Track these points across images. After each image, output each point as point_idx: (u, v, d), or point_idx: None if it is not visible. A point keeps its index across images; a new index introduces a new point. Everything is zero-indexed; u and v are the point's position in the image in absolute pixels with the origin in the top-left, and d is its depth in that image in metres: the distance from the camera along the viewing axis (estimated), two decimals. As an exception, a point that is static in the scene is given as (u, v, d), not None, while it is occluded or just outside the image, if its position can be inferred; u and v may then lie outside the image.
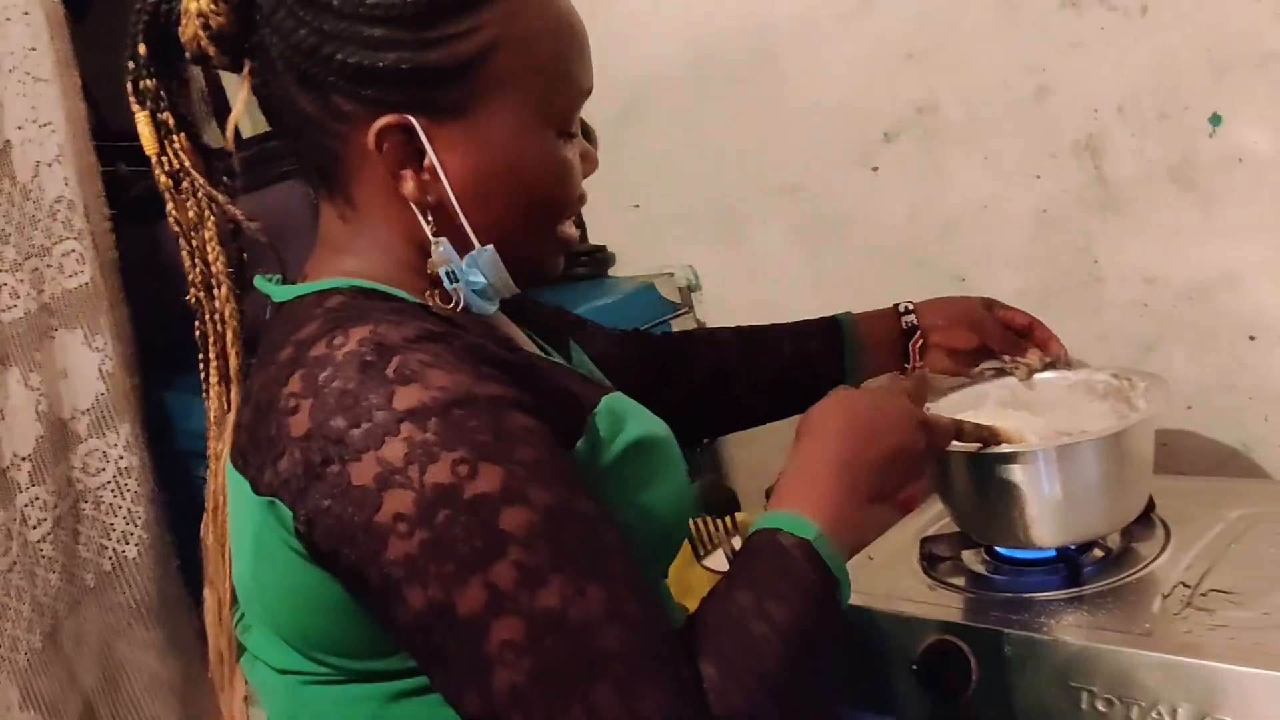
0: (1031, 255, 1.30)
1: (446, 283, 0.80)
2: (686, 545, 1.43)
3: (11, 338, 1.28)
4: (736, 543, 1.37)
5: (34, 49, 1.37)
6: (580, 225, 1.74)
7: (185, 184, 0.84)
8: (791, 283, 1.54)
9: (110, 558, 1.37)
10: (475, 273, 0.80)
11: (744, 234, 1.57)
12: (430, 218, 0.79)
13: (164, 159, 0.83)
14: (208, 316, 0.86)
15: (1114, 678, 0.90)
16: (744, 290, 1.60)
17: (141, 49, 0.82)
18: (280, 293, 0.82)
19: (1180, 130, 1.17)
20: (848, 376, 1.16)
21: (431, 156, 0.77)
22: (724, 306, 1.63)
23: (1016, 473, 0.98)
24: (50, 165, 1.39)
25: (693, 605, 1.46)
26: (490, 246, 0.80)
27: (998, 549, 1.07)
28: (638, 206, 1.67)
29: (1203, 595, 0.95)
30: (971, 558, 1.09)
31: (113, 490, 1.38)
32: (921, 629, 1.00)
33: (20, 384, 1.28)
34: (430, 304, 0.80)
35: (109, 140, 1.69)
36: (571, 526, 0.68)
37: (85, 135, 1.49)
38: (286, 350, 0.74)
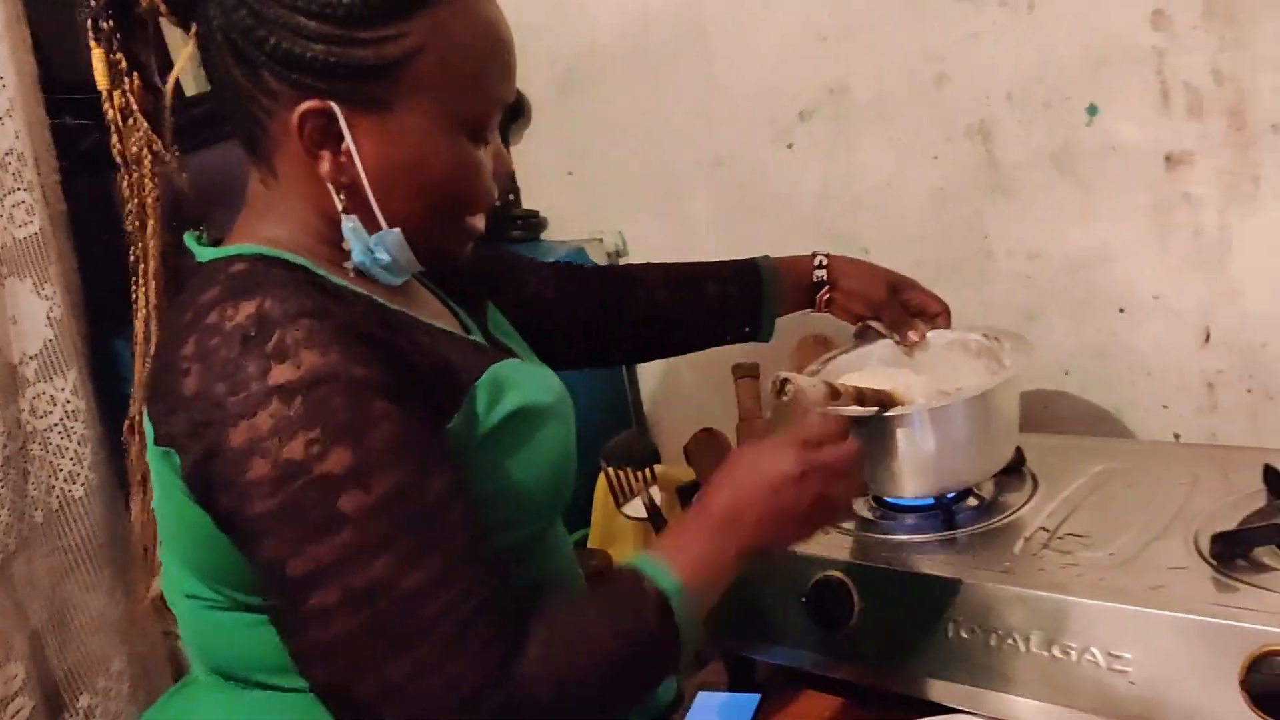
0: (928, 230, 1.41)
1: (360, 263, 0.87)
2: (609, 495, 1.53)
3: (-39, 286, 1.33)
4: (655, 492, 1.46)
5: (-16, 5, 1.41)
6: (515, 191, 1.82)
7: (130, 121, 0.89)
8: (714, 250, 1.60)
9: (58, 497, 1.43)
10: (381, 251, 0.86)
11: (671, 203, 1.65)
12: (343, 196, 0.85)
13: (114, 94, 0.89)
14: (137, 246, 0.93)
15: (977, 609, 1.00)
16: (669, 256, 1.66)
17: None
18: (201, 253, 0.88)
19: (1061, 119, 1.27)
20: (763, 316, 1.26)
21: (349, 142, 0.83)
22: (650, 271, 1.72)
23: (899, 431, 1.09)
24: (1, 119, 1.44)
25: (618, 551, 1.57)
26: (397, 230, 0.86)
27: (883, 498, 1.18)
28: (571, 174, 1.75)
29: (1059, 538, 1.06)
30: (858, 505, 1.20)
31: (60, 433, 1.44)
32: (811, 567, 1.10)
33: (-29, 330, 1.34)
34: (336, 276, 0.86)
35: (56, 93, 1.73)
36: (410, 509, 0.76)
37: (35, 89, 1.53)
38: (189, 313, 0.81)
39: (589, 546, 1.60)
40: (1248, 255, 1.19)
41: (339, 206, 0.85)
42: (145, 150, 0.89)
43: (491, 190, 0.91)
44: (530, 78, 1.72)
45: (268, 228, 0.88)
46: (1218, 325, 1.23)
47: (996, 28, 1.28)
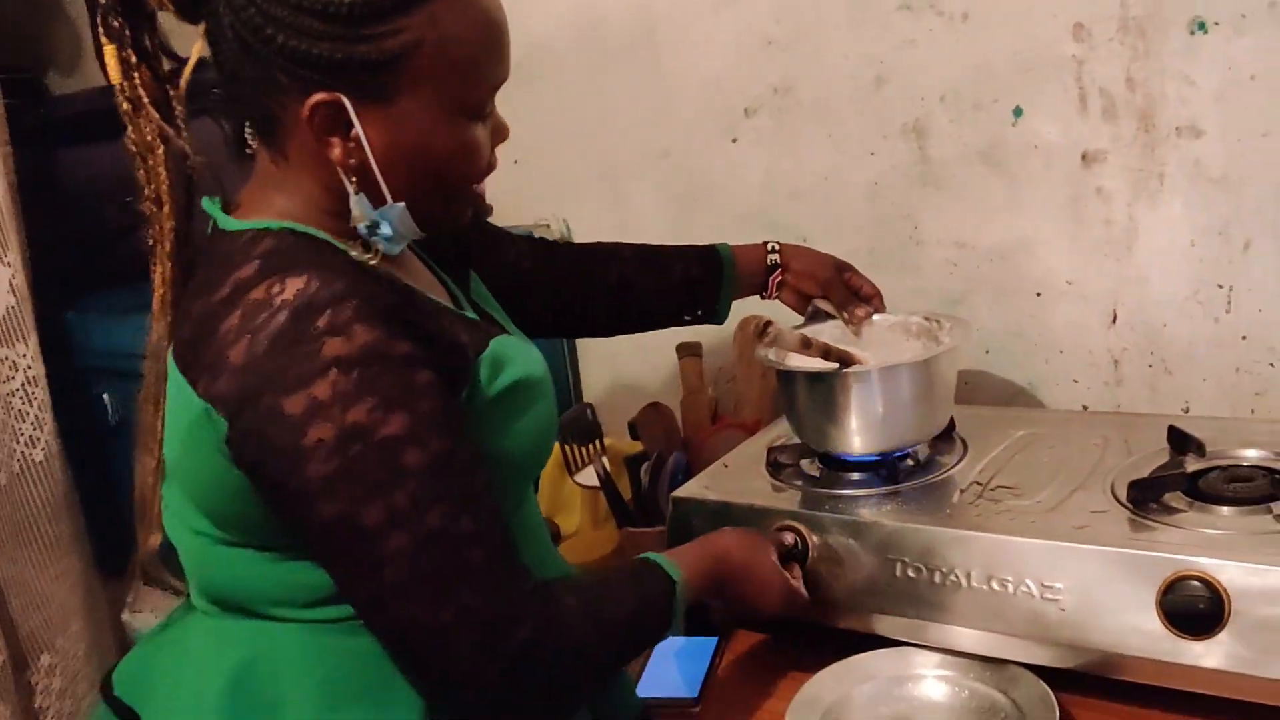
0: (864, 220, 1.52)
1: (365, 234, 0.91)
2: (561, 467, 1.61)
3: (-66, 248, 1.35)
4: (605, 462, 1.54)
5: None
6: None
7: (141, 112, 0.92)
8: (659, 237, 1.70)
9: (19, 460, 1.46)
10: (385, 225, 0.91)
11: (617, 193, 1.74)
12: (353, 178, 0.89)
13: (125, 87, 0.92)
14: (155, 228, 0.96)
15: (921, 550, 1.11)
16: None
17: None
18: (224, 220, 0.92)
19: (989, 119, 1.39)
20: (721, 298, 1.33)
21: (358, 129, 0.87)
22: (594, 257, 1.80)
23: (855, 388, 1.20)
24: (-40, 94, 1.46)
25: (564, 519, 1.64)
26: (401, 204, 0.91)
27: (832, 455, 1.28)
28: (517, 162, 1.82)
29: (991, 490, 1.17)
30: (809, 464, 1.30)
31: (21, 398, 1.47)
32: (768, 517, 1.19)
33: (-58, 291, 1.36)
34: (350, 251, 0.90)
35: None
36: (455, 468, 0.83)
37: (-9, 62, 1.56)
38: (224, 288, 0.85)
39: (536, 516, 1.67)
40: (1152, 245, 1.33)
41: (350, 188, 0.89)
42: (157, 139, 0.93)
43: (494, 159, 0.97)
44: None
45: (281, 202, 0.92)
46: (1124, 308, 1.37)
47: (932, 35, 1.41)
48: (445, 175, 0.92)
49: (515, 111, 1.76)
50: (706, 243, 1.34)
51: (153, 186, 0.94)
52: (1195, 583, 0.97)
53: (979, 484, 1.20)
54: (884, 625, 1.14)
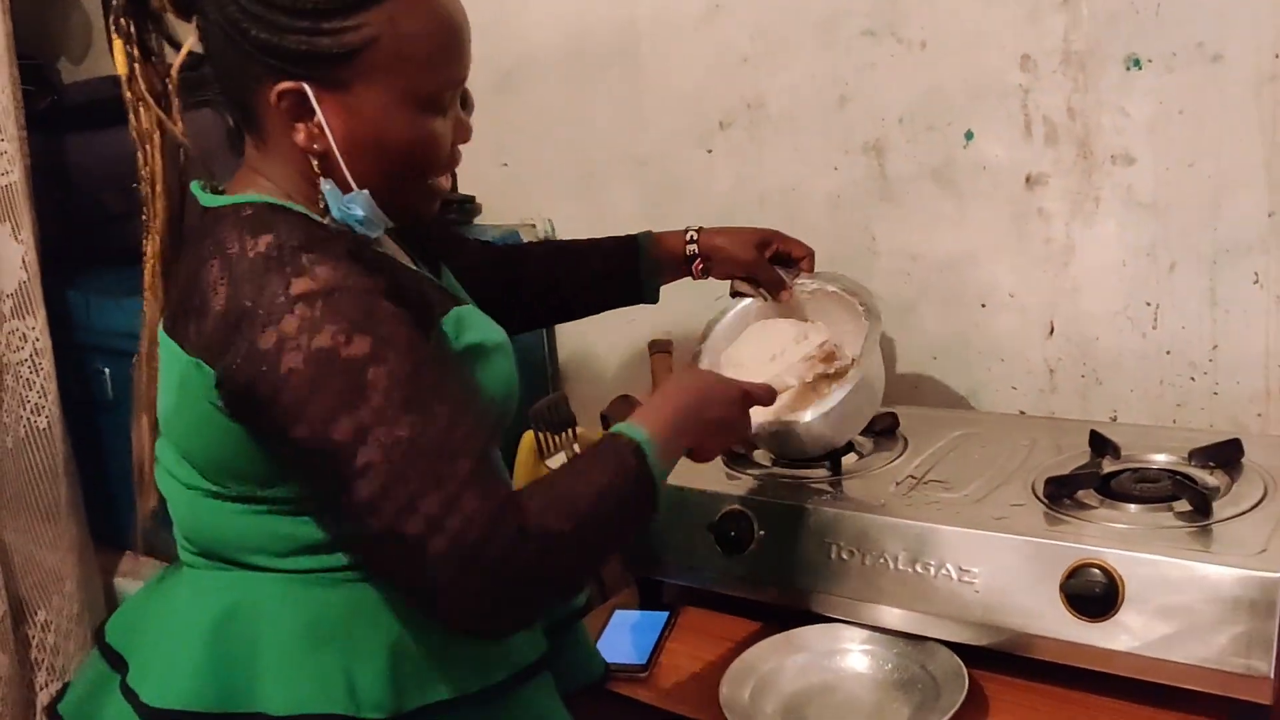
0: (825, 230, 1.61)
1: (339, 218, 0.98)
2: (530, 454, 1.70)
3: (-43, 222, 1.45)
4: (576, 449, 1.64)
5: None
6: (452, 177, 1.98)
7: (143, 103, 1.01)
8: (633, 239, 1.82)
9: (25, 426, 1.55)
10: (354, 207, 0.98)
11: (598, 195, 1.83)
12: (317, 162, 0.97)
13: (130, 80, 1.00)
14: (149, 208, 1.03)
15: (855, 535, 1.20)
16: (594, 242, 1.87)
17: None
18: (207, 199, 1.00)
19: (942, 141, 1.48)
20: (644, 287, 1.39)
21: (319, 116, 0.95)
22: (574, 256, 1.90)
23: (803, 430, 1.27)
24: (-13, 75, 1.56)
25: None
26: (365, 191, 0.98)
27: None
28: (506, 165, 1.92)
29: (924, 483, 1.27)
30: (761, 455, 1.40)
31: (29, 367, 1.56)
32: (718, 501, 1.29)
33: (-38, 264, 1.45)
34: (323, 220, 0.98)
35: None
36: (421, 384, 0.89)
37: (12, 50, 1.65)
38: (208, 245, 0.94)
39: (509, 499, 1.77)
40: (1087, 262, 1.43)
41: (315, 170, 0.97)
42: (154, 127, 1.01)
43: (457, 153, 1.04)
44: (472, 75, 1.88)
45: (263, 182, 1.00)
46: (1060, 320, 1.47)
47: (893, 60, 1.50)
48: (404, 164, 0.99)
49: (505, 117, 1.89)
50: (644, 230, 1.40)
51: (148, 169, 1.02)
52: (1095, 570, 1.07)
53: (914, 477, 1.29)
54: (820, 603, 1.24)
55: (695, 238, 1.38)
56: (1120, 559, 1.07)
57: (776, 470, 1.36)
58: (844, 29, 1.53)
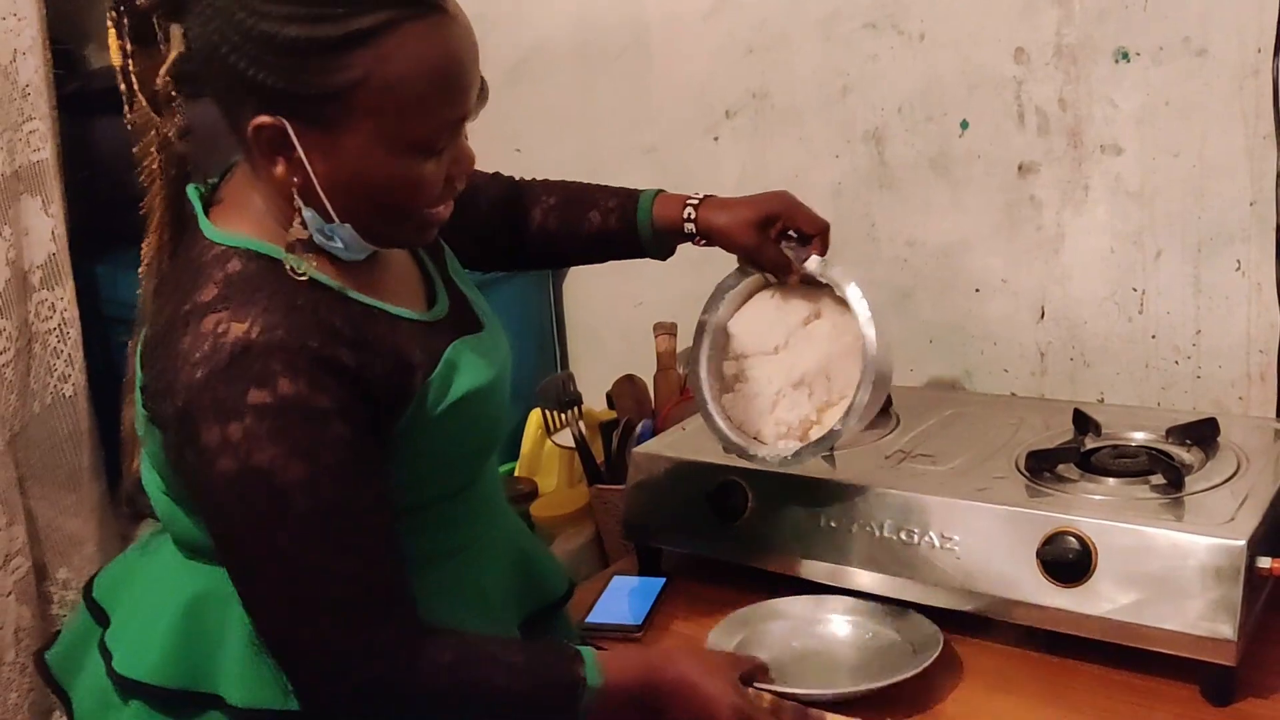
0: (827, 216, 1.64)
1: (319, 239, 0.95)
2: (541, 427, 1.75)
3: (-8, 195, 1.52)
4: (581, 426, 1.69)
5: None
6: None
7: (135, 98, 0.97)
8: (641, 225, 1.87)
9: (52, 393, 1.61)
10: (336, 239, 0.96)
11: (607, 183, 1.89)
12: (297, 195, 0.92)
13: (122, 72, 0.97)
14: (147, 200, 1.02)
15: (844, 505, 1.25)
16: (602, 227, 1.92)
17: None
18: (203, 222, 0.96)
19: (939, 130, 1.53)
20: (644, 246, 1.29)
21: (300, 153, 0.90)
22: (584, 241, 1.96)
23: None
24: (24, 54, 1.62)
25: (543, 479, 1.78)
26: (348, 225, 0.94)
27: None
28: (519, 150, 1.98)
29: (912, 457, 1.32)
30: (757, 431, 1.45)
31: (57, 336, 1.63)
32: (714, 472, 1.33)
33: (-4, 234, 1.52)
34: (299, 267, 0.94)
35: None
36: (346, 515, 0.90)
37: (46, 31, 1.71)
38: (187, 305, 0.91)
39: (517, 475, 1.83)
40: (1077, 249, 1.48)
41: (294, 203, 0.93)
42: (148, 123, 0.97)
43: (447, 192, 0.97)
44: (486, 64, 1.93)
45: (256, 203, 0.97)
46: (1051, 305, 1.51)
47: (893, 52, 1.55)
48: (387, 204, 0.94)
49: (517, 106, 1.95)
50: (655, 189, 1.32)
51: (146, 164, 1.00)
52: (1069, 538, 1.12)
53: (903, 451, 1.34)
54: (808, 569, 1.28)
55: (694, 215, 1.26)
56: (1094, 527, 1.11)
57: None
58: (846, 22, 1.58)
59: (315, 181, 0.91)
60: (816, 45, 1.62)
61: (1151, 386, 1.46)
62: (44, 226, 1.62)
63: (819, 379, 1.24)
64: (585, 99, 1.87)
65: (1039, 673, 1.16)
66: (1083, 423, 1.33)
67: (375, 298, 0.99)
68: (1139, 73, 1.38)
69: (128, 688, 1.01)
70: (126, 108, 0.98)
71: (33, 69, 1.63)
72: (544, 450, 1.80)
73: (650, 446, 1.45)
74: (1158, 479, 1.19)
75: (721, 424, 1.25)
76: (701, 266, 1.80)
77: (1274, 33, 1.29)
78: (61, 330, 1.63)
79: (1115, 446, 1.28)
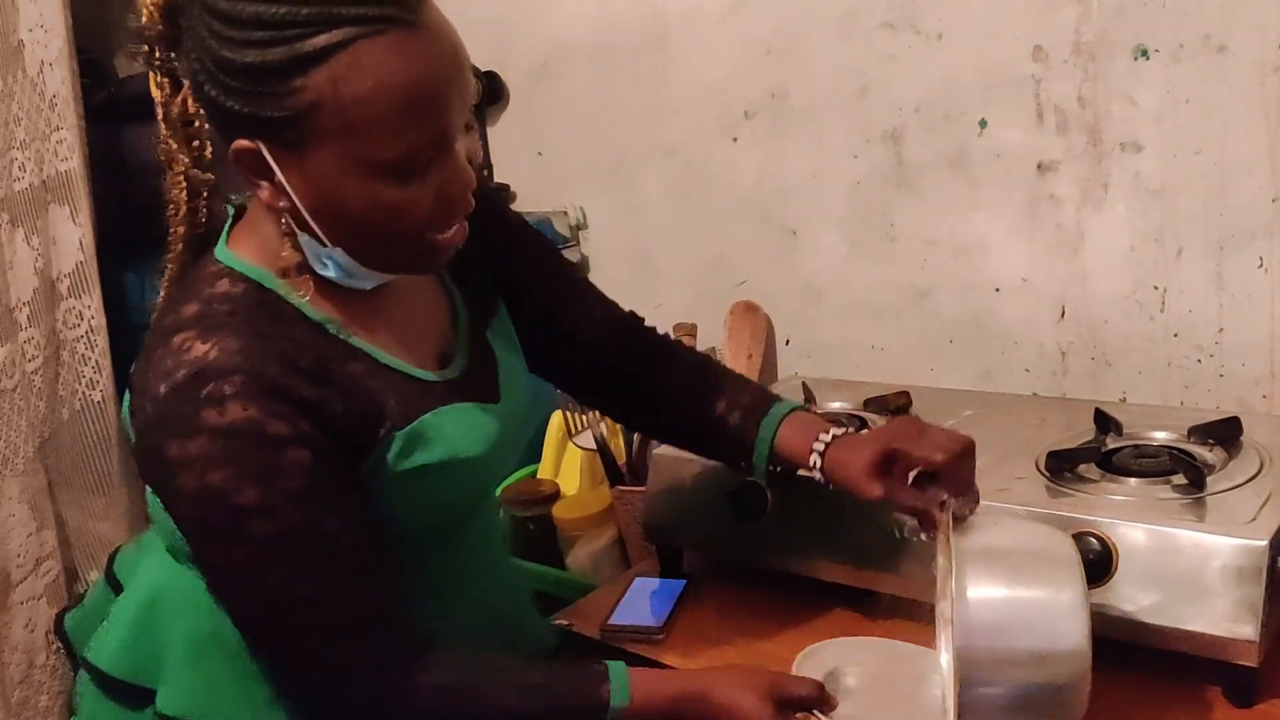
0: (846, 216, 1.67)
1: (315, 264, 0.95)
2: (563, 429, 1.76)
3: (21, 204, 1.54)
4: (603, 428, 1.70)
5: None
6: (488, 167, 2.05)
7: (166, 129, 0.98)
8: (663, 226, 1.88)
9: (80, 399, 1.64)
10: (331, 265, 0.95)
11: (628, 184, 1.89)
12: (285, 219, 0.93)
13: (158, 104, 0.98)
14: (171, 231, 1.02)
15: (864, 508, 1.18)
16: (623, 227, 1.92)
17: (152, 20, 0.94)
18: (220, 246, 0.98)
19: (958, 129, 1.53)
20: (754, 457, 1.17)
21: (279, 175, 0.89)
22: (607, 243, 1.96)
23: None
24: (51, 65, 1.64)
25: (565, 480, 1.79)
26: (339, 249, 0.93)
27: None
28: (540, 154, 1.99)
29: (932, 458, 1.33)
30: (777, 431, 1.45)
31: (85, 344, 1.65)
32: (734, 474, 1.33)
33: (24, 243, 1.54)
34: (298, 295, 0.95)
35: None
36: (307, 539, 0.90)
37: (72, 42, 1.73)
38: (171, 316, 0.93)
39: (539, 477, 1.84)
40: (1097, 247, 1.47)
41: (282, 227, 0.93)
42: (176, 153, 0.98)
43: (444, 214, 0.93)
44: (508, 67, 1.96)
45: (262, 235, 0.97)
46: (1071, 304, 1.51)
47: (910, 51, 1.55)
48: (372, 229, 0.92)
49: (539, 108, 1.96)
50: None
51: (174, 195, 1.01)
52: (1090, 538, 1.11)
53: (923, 452, 1.34)
54: (826, 570, 1.29)
55: (823, 449, 1.12)
56: (1115, 528, 1.11)
57: (791, 445, 1.41)
58: (864, 22, 1.58)
59: (299, 205, 0.91)
60: (834, 45, 1.62)
61: (1174, 385, 1.46)
62: (72, 235, 1.65)
63: None
64: (605, 100, 1.88)
65: (1060, 674, 1.15)
66: (1104, 422, 1.32)
67: (367, 340, 0.98)
68: (1159, 70, 1.38)
69: (90, 671, 1.04)
70: (160, 140, 0.99)
71: (60, 79, 1.65)
72: (565, 452, 1.81)
73: (669, 449, 1.46)
74: (1179, 479, 1.18)
75: None
76: (720, 269, 1.82)
77: (1295, 28, 1.29)
78: (89, 337, 1.65)
79: (1137, 446, 1.27)
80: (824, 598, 1.29)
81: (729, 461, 1.24)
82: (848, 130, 1.63)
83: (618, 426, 1.73)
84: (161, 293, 1.03)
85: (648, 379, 1.24)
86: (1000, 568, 0.95)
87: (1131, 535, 1.10)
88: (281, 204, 0.91)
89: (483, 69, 1.93)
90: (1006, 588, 0.94)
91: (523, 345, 1.16)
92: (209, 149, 0.97)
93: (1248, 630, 1.04)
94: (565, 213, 1.97)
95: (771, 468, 1.18)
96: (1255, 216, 1.36)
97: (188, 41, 0.90)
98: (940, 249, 1.60)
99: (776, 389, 1.61)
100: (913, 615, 1.22)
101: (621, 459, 1.66)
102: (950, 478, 1.04)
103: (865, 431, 1.13)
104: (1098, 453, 1.26)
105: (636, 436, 1.64)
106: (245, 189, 0.99)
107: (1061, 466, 1.23)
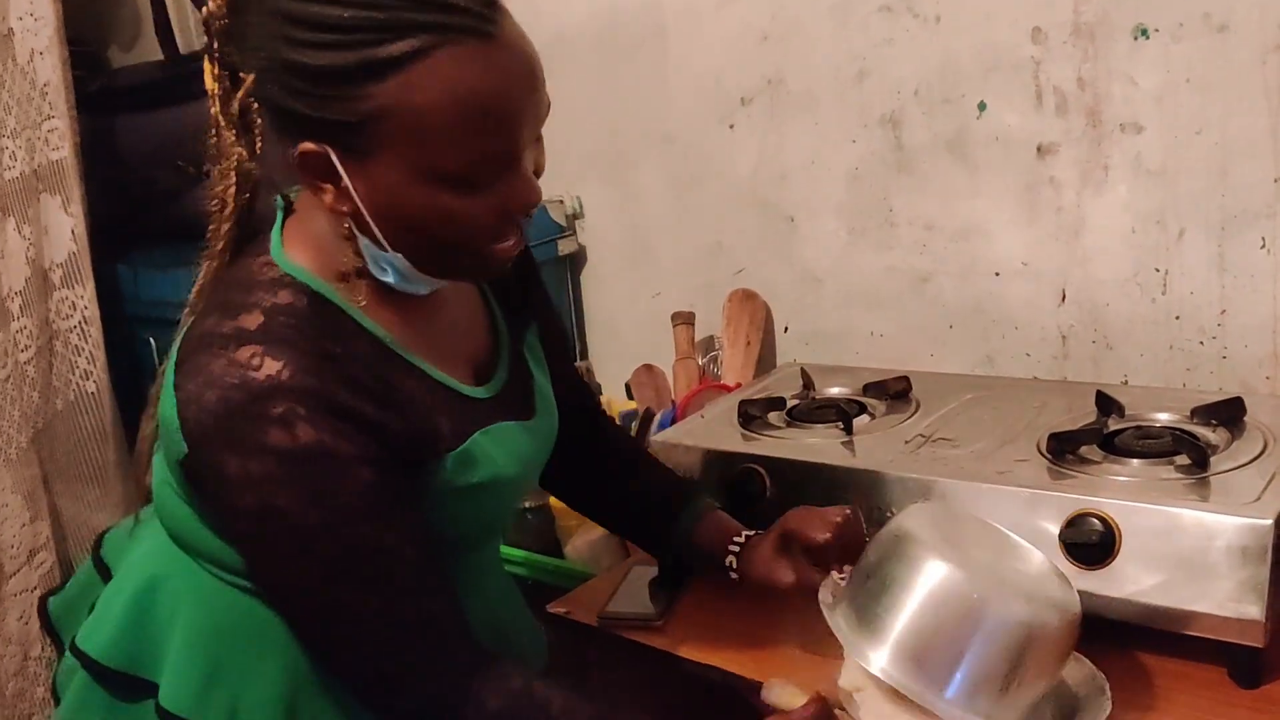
0: (844, 202, 1.66)
1: (374, 269, 0.93)
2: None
3: (11, 193, 1.53)
4: (601, 416, 1.69)
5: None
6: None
7: (220, 123, 0.94)
8: (660, 214, 1.87)
9: (74, 389, 1.63)
10: (390, 270, 0.94)
11: (624, 173, 1.88)
12: (347, 224, 0.91)
13: (212, 99, 0.94)
14: (214, 227, 0.98)
15: (861, 490, 1.23)
16: (620, 217, 1.92)
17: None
18: (275, 246, 0.95)
19: (957, 112, 1.52)
20: (667, 540, 1.24)
21: (345, 179, 0.88)
22: (604, 232, 1.95)
23: None
24: (41, 54, 1.63)
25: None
26: (399, 255, 0.92)
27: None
28: (537, 142, 1.98)
29: (933, 442, 1.30)
30: (776, 418, 1.44)
31: (78, 334, 1.64)
32: (733, 460, 1.33)
33: (15, 232, 1.53)
34: (355, 303, 0.93)
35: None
36: (372, 556, 0.89)
37: (63, 31, 1.72)
38: (228, 325, 0.90)
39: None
40: (1097, 230, 1.46)
41: (343, 231, 0.92)
42: (230, 149, 0.94)
43: (507, 228, 0.93)
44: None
45: (317, 237, 0.95)
46: (1072, 287, 1.50)
47: (908, 35, 1.54)
48: (428, 239, 0.91)
49: (535, 95, 1.94)
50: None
51: (221, 189, 0.96)
52: (1092, 519, 1.10)
53: (923, 436, 1.33)
54: (828, 555, 1.27)
55: (738, 550, 1.19)
56: (1117, 508, 1.10)
57: (790, 430, 1.41)
58: (861, 6, 1.57)
59: (362, 209, 0.89)
60: (831, 30, 1.61)
61: (1176, 368, 1.44)
62: (64, 225, 1.63)
63: None
64: (603, 89, 1.87)
65: (1063, 657, 1.14)
66: (1106, 404, 1.31)
67: (421, 356, 0.97)
68: (1158, 50, 1.36)
69: (80, 659, 1.02)
70: (213, 133, 0.95)
71: (50, 68, 1.64)
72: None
73: (668, 435, 1.45)
74: (1182, 459, 1.17)
75: None
76: (719, 256, 1.81)
77: (1296, 6, 1.28)
78: (82, 328, 1.64)
79: (1139, 427, 1.26)
80: (824, 583, 1.28)
81: (642, 534, 1.30)
82: (845, 115, 1.62)
83: (615, 415, 1.73)
84: (197, 288, 0.99)
85: (598, 464, 1.27)
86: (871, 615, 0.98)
87: (1134, 516, 1.09)
88: (345, 208, 0.90)
89: (478, 58, 1.91)
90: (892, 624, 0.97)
91: None
92: (259, 145, 0.94)
93: (1253, 611, 1.03)
94: (562, 201, 1.96)
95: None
96: (1257, 197, 1.35)
97: (254, 39, 0.88)
98: (940, 234, 1.58)
99: (776, 376, 1.62)
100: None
101: (620, 448, 1.65)
102: (841, 550, 1.10)
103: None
104: (1100, 434, 1.24)
105: (635, 425, 1.63)
106: (286, 188, 0.99)
107: (1063, 448, 1.22)
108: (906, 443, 1.32)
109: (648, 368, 1.77)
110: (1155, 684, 1.08)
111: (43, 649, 1.58)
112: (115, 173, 1.96)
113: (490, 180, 0.88)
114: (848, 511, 1.13)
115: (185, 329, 0.95)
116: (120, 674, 1.00)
